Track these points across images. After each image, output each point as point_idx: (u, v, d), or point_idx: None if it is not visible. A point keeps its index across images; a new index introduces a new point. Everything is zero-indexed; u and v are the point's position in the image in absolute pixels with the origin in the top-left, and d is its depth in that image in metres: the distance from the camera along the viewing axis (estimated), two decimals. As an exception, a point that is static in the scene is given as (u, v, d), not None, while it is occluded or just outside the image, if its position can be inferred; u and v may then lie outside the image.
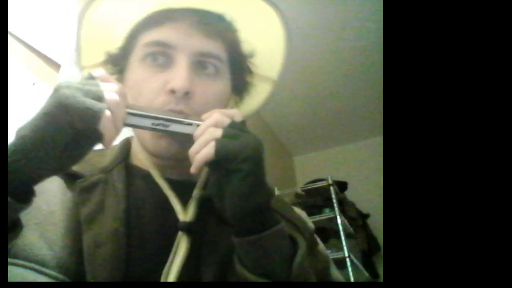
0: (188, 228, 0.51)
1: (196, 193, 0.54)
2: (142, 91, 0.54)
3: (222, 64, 0.57)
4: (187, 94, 0.52)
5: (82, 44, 0.60)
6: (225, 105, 0.59)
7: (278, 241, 0.47)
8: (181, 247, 0.50)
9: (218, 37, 0.56)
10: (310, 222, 0.65)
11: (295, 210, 0.65)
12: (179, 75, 0.52)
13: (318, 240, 0.63)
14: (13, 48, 1.19)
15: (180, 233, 0.50)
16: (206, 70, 0.55)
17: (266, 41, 0.62)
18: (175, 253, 0.49)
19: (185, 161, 0.55)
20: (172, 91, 0.52)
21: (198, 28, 0.55)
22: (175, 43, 0.54)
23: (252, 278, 0.45)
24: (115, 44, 0.59)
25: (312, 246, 0.59)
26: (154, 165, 0.56)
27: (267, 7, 0.58)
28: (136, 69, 0.55)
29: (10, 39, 1.18)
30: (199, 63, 0.55)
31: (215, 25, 0.56)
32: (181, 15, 0.55)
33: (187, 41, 0.54)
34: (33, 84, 1.21)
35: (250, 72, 0.63)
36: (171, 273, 0.48)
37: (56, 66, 1.31)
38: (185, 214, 0.52)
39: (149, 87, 0.53)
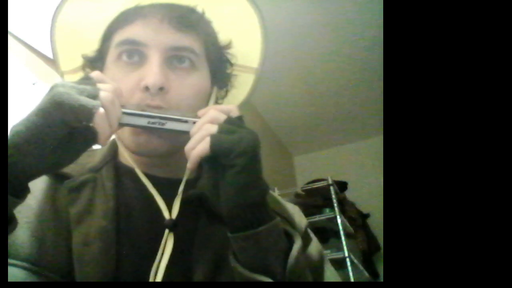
0: (173, 226, 0.51)
1: (180, 189, 0.54)
2: None
3: (198, 57, 0.57)
4: (161, 90, 0.52)
5: (58, 50, 0.61)
6: (205, 98, 0.59)
7: (274, 236, 0.47)
8: (168, 245, 0.50)
9: (191, 30, 0.56)
10: (303, 216, 0.65)
11: (287, 205, 0.65)
12: (151, 71, 0.52)
13: (312, 235, 0.63)
14: (13, 48, 1.19)
15: (166, 231, 0.50)
16: (181, 64, 0.55)
17: (241, 31, 0.61)
18: (162, 251, 0.49)
19: (171, 158, 0.55)
20: (146, 88, 0.52)
21: (169, 23, 0.54)
22: (146, 40, 0.54)
23: (248, 273, 0.45)
24: (91, 46, 0.59)
25: (306, 241, 0.59)
26: (137, 162, 0.56)
27: None
28: (112, 69, 0.55)
29: (10, 39, 1.18)
30: (173, 58, 0.55)
31: (187, 18, 0.56)
32: (151, 10, 0.55)
33: (158, 37, 0.54)
34: (33, 84, 1.21)
35: (229, 63, 0.63)
36: (159, 271, 0.48)
37: (56, 66, 1.31)
38: (170, 211, 0.52)
39: (124, 85, 0.53)
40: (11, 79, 1.13)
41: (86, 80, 0.46)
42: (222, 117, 0.48)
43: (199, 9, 0.57)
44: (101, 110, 0.43)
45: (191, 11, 0.57)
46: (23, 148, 0.41)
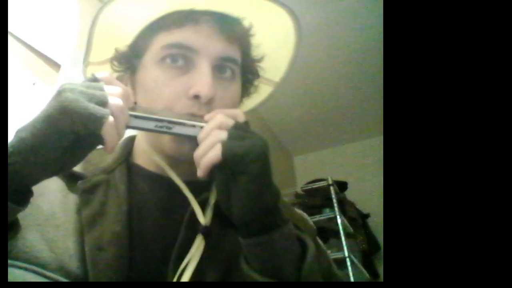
0: (209, 232, 0.50)
1: (213, 199, 0.53)
2: (160, 93, 0.52)
3: (238, 68, 0.57)
4: (210, 100, 0.51)
5: (94, 41, 0.58)
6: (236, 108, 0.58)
7: (287, 241, 0.47)
8: (198, 251, 0.49)
9: (236, 41, 0.56)
10: (311, 222, 0.65)
11: (296, 211, 0.65)
12: (204, 81, 0.51)
13: (319, 240, 0.63)
14: (13, 48, 1.19)
15: (200, 237, 0.50)
16: (224, 74, 0.55)
17: (278, 47, 0.62)
18: (191, 256, 0.48)
19: (191, 161, 0.55)
20: (197, 97, 0.51)
21: (219, 32, 0.54)
22: (198, 46, 0.53)
23: (260, 279, 0.45)
24: (124, 41, 0.57)
25: (316, 247, 0.59)
26: (153, 165, 0.56)
27: (284, 13, 0.58)
28: (153, 71, 0.54)
29: (10, 39, 1.18)
30: (218, 67, 0.54)
31: (235, 29, 0.56)
32: (203, 17, 0.54)
33: (209, 45, 0.53)
34: (33, 84, 1.20)
35: (257, 75, 0.63)
36: (185, 276, 0.47)
37: (56, 66, 1.31)
38: (205, 217, 0.51)
39: (169, 90, 0.52)
40: (11, 79, 1.13)
41: (95, 83, 0.45)
42: (230, 122, 0.48)
43: (247, 22, 0.57)
44: (111, 118, 0.42)
45: (239, 23, 0.57)
46: (28, 156, 0.40)
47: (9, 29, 1.17)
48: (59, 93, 0.42)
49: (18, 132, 0.41)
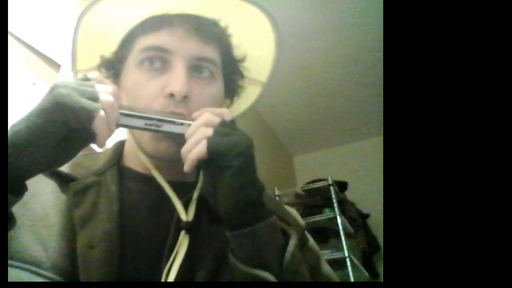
0: (190, 228, 0.51)
1: (196, 193, 0.55)
2: (139, 95, 0.55)
3: (217, 68, 0.58)
4: (185, 98, 0.53)
5: (78, 49, 0.61)
6: (219, 107, 0.59)
7: (271, 232, 0.49)
8: (182, 246, 0.50)
9: (213, 42, 0.58)
10: (300, 219, 0.67)
11: (285, 208, 0.67)
12: (177, 79, 0.53)
13: (309, 236, 0.65)
14: (13, 48, 1.19)
15: (182, 233, 0.51)
16: (202, 74, 0.57)
17: (258, 46, 0.63)
18: (176, 253, 0.50)
19: (178, 162, 0.56)
20: (171, 95, 0.53)
21: (195, 33, 0.56)
22: (172, 48, 0.55)
23: (246, 269, 0.47)
24: (109, 48, 0.60)
25: (303, 242, 0.60)
26: (142, 165, 0.57)
27: (259, 13, 0.60)
28: (133, 74, 0.56)
29: (10, 39, 1.18)
30: (195, 67, 0.56)
31: (211, 30, 0.57)
32: (178, 20, 0.56)
33: (183, 46, 0.55)
34: (33, 84, 1.20)
35: (241, 75, 0.64)
36: (172, 272, 0.48)
37: (56, 66, 1.31)
38: (186, 214, 0.52)
39: (147, 91, 0.54)
40: (11, 79, 1.13)
41: (86, 81, 0.47)
42: (217, 120, 0.50)
43: (223, 23, 0.58)
44: (102, 113, 0.44)
45: (215, 24, 0.58)
46: (22, 148, 0.41)
47: (9, 29, 1.17)
48: (52, 89, 0.43)
49: (13, 126, 0.42)
